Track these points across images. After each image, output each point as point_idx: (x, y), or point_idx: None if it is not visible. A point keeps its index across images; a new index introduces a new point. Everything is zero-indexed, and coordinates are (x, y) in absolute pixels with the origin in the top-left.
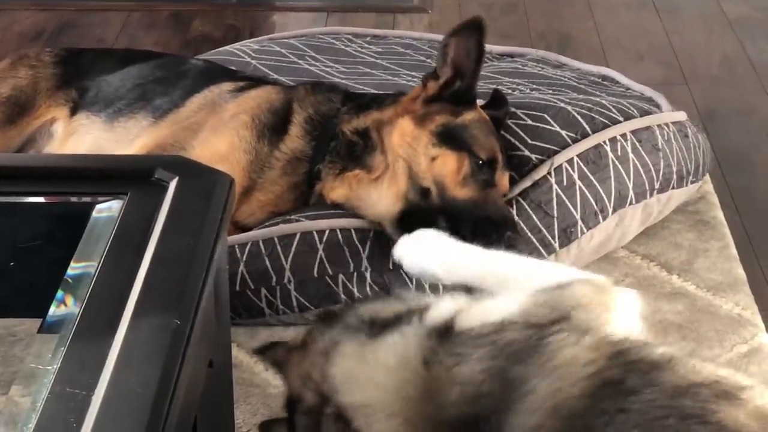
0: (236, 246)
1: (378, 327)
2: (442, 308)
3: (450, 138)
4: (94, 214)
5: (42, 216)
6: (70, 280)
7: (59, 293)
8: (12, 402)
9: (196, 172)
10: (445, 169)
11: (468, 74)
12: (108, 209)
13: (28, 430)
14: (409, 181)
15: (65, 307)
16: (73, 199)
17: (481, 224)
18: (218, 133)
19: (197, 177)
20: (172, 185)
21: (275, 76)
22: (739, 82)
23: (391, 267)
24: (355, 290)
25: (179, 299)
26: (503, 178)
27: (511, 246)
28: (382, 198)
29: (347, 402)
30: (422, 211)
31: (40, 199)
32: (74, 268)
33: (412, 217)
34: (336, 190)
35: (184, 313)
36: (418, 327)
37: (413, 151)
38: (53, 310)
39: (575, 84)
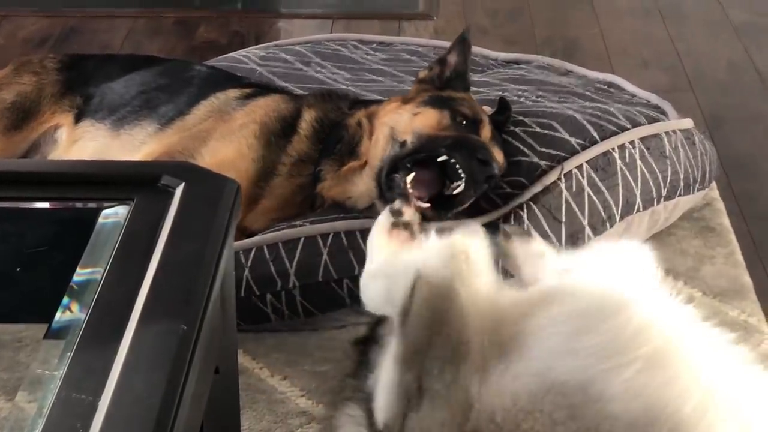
0: (241, 252)
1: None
2: None
3: (434, 102)
4: (101, 219)
5: (48, 222)
6: (76, 286)
7: (65, 299)
8: (18, 408)
9: (202, 178)
10: (425, 122)
11: (459, 65)
12: (114, 215)
13: None
14: (388, 140)
15: (71, 312)
16: (79, 204)
17: (459, 143)
18: (227, 142)
19: (204, 183)
20: (179, 191)
21: (281, 83)
22: (744, 88)
23: None
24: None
25: (186, 305)
26: (497, 154)
27: (485, 162)
28: (366, 173)
29: None
30: (396, 159)
31: (46, 205)
32: (80, 274)
33: (386, 171)
34: (332, 188)
35: (191, 318)
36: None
37: (397, 116)
38: (59, 316)
39: (581, 91)
